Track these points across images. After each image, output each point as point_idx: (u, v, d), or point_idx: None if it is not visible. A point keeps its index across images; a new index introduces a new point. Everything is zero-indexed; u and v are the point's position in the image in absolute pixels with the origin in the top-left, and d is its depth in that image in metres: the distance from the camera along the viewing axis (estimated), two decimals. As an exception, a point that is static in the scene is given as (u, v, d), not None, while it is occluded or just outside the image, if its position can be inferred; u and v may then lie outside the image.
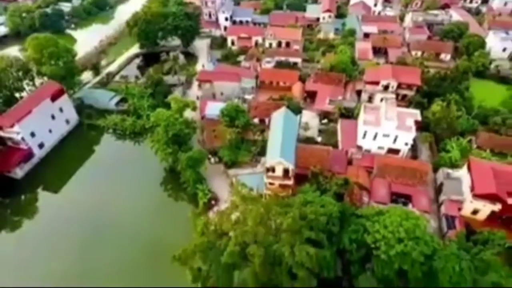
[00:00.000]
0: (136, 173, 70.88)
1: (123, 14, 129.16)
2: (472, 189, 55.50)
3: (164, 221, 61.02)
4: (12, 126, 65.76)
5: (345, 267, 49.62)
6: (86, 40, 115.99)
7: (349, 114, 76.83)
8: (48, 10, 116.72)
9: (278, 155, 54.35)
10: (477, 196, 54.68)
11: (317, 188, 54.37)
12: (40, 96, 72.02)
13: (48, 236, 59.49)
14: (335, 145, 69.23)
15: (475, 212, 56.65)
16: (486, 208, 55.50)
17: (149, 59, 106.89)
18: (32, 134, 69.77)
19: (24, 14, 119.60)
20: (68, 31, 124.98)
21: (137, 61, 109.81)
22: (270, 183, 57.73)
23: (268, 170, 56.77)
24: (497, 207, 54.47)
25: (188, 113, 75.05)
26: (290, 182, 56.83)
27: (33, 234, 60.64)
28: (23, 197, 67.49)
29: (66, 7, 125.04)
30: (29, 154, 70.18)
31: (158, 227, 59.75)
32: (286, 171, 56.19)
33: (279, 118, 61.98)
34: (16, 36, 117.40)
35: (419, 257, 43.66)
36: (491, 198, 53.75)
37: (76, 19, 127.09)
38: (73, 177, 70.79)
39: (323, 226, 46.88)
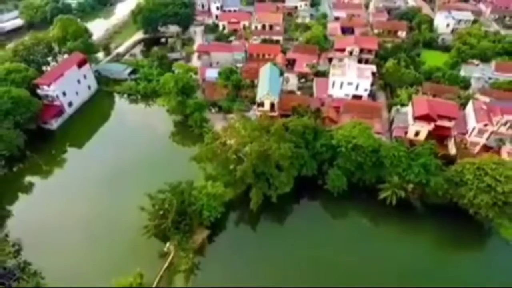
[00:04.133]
0: (150, 127, 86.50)
1: (122, 10, 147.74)
2: (413, 114, 73.61)
3: (177, 156, 76.30)
4: (49, 85, 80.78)
5: (319, 168, 66.30)
6: (92, 30, 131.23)
7: (322, 75, 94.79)
8: (59, 4, 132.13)
9: (266, 90, 71.52)
10: (416, 118, 72.72)
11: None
12: (69, 63, 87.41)
13: (83, 172, 74.45)
14: (312, 96, 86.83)
15: (417, 134, 74.70)
16: (424, 129, 73.66)
17: (151, 45, 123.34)
18: (64, 94, 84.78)
19: (34, 10, 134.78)
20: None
21: (141, 47, 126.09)
22: (260, 116, 74.36)
23: (258, 105, 73.73)
24: (431, 126, 72.76)
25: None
26: (276, 113, 73.84)
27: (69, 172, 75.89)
28: (56, 147, 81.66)
29: (73, 2, 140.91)
30: (61, 111, 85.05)
31: (172, 160, 74.62)
32: (272, 105, 73.23)
33: (266, 69, 79.65)
34: (29, 27, 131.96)
35: (369, 149, 61.15)
36: (426, 118, 71.89)
37: (82, 13, 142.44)
38: (99, 130, 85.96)
39: (300, 134, 64.01)
